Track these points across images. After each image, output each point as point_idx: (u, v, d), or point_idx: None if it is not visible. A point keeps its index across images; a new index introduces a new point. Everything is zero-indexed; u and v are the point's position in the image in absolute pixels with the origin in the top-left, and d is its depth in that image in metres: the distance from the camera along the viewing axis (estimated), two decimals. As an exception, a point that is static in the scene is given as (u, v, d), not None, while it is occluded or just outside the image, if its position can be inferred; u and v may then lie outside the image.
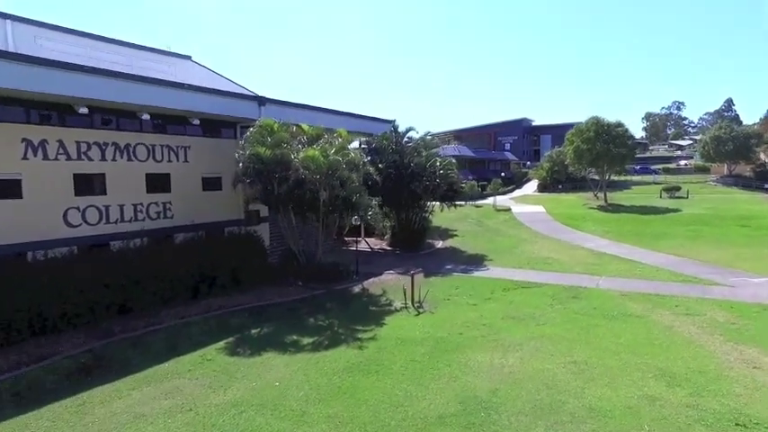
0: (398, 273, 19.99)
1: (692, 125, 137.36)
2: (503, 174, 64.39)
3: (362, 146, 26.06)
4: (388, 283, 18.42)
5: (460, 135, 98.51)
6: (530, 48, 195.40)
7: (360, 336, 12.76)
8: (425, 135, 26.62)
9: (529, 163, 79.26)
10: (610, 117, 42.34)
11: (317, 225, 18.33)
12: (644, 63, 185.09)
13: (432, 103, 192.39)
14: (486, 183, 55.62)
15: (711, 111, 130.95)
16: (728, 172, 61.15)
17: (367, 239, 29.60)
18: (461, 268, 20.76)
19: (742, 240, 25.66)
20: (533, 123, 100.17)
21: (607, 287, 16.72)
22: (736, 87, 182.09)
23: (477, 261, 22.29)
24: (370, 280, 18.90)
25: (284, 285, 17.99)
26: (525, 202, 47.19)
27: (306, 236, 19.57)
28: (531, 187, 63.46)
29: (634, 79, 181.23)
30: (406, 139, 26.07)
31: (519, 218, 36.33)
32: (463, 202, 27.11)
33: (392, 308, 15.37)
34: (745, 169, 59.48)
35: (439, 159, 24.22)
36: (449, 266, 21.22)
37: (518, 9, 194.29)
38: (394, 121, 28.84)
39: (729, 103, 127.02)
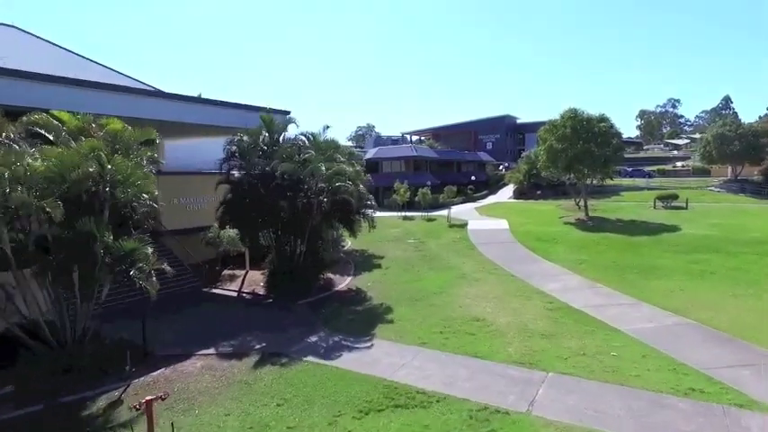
0: (218, 356, 12.20)
1: (689, 123, 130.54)
2: (473, 177, 56.19)
3: (226, 146, 18.08)
4: (176, 382, 10.54)
5: (439, 134, 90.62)
6: (519, 43, 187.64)
7: None
8: (321, 132, 18.66)
9: (508, 164, 71.28)
10: (594, 111, 33.43)
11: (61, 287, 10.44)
12: (638, 59, 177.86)
13: (414, 102, 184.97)
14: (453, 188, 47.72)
15: (708, 109, 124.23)
16: (733, 175, 53.40)
17: (252, 272, 21.76)
18: (331, 343, 12.88)
19: (768, 280, 17.88)
20: (518, 121, 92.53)
21: (547, 415, 8.82)
22: (733, 85, 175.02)
23: (368, 324, 14.36)
24: (154, 374, 11.01)
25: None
26: (491, 214, 39.10)
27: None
28: (506, 193, 55.43)
29: (628, 76, 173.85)
30: (288, 138, 18.24)
31: (473, 237, 28.35)
32: (374, 213, 19.45)
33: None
34: (752, 172, 51.61)
35: (324, 167, 16.20)
36: (314, 338, 13.33)
37: (510, 3, 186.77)
38: (287, 112, 21.09)
39: (727, 100, 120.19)
